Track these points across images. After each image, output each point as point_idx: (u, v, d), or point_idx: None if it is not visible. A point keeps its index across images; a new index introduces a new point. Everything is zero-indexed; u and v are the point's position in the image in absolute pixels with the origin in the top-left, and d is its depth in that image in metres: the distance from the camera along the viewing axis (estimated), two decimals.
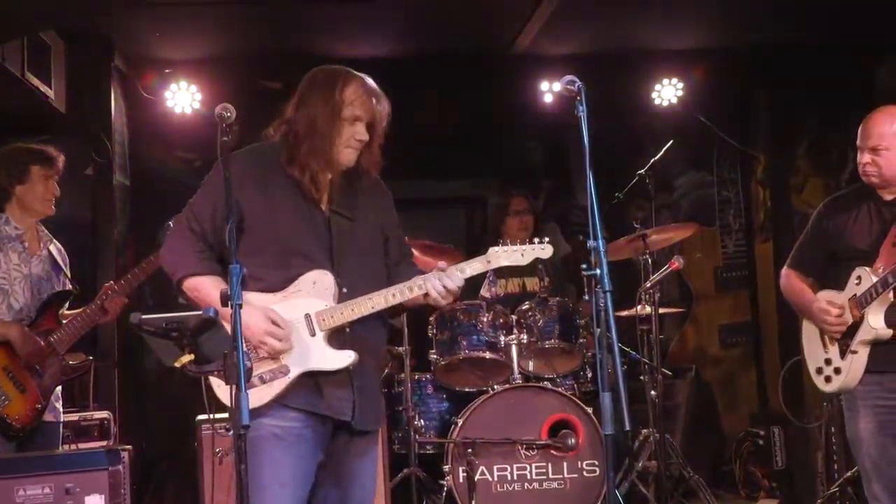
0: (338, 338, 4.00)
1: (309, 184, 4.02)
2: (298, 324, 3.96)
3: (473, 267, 4.08)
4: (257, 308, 3.68)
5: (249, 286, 3.93)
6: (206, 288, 3.96)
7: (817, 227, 5.03)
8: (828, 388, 4.90)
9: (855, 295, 4.70)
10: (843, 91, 8.08)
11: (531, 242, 4.16)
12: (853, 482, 6.50)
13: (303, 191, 4.03)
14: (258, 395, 3.85)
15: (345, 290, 4.01)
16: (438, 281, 3.98)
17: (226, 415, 3.87)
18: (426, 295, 4.01)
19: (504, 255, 4.10)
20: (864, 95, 8.02)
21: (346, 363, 3.95)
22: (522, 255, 4.12)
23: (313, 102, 4.04)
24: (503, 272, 7.28)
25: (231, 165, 3.81)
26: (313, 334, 3.97)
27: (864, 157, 4.77)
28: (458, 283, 3.99)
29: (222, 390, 3.93)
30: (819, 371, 4.93)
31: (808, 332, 5.02)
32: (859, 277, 4.70)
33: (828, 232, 4.95)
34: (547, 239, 4.16)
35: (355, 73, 4.11)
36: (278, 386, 3.88)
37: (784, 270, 5.17)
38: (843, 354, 4.77)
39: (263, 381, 3.81)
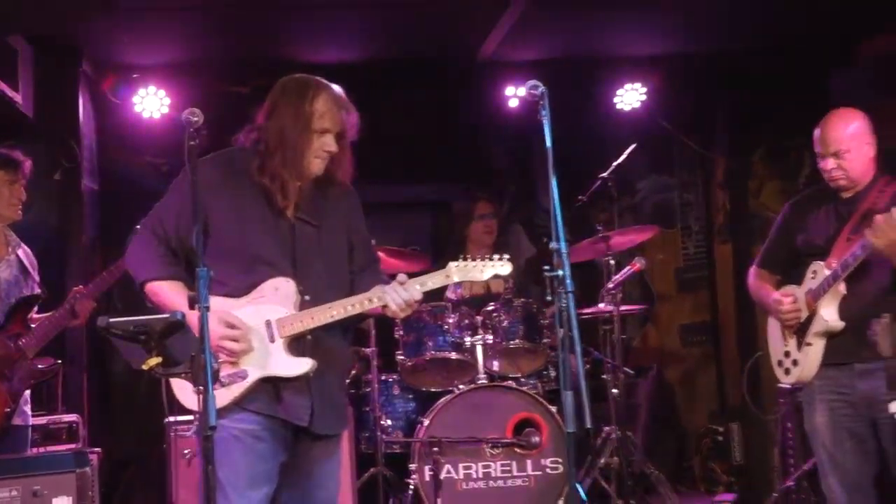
0: (298, 345, 3.99)
1: (278, 193, 4.00)
2: (259, 329, 3.96)
3: (433, 281, 4.09)
4: (213, 312, 3.64)
5: (214, 290, 3.89)
6: (166, 292, 3.98)
7: (782, 226, 5.10)
8: (787, 379, 4.98)
9: (811, 289, 4.76)
10: (799, 98, 8.12)
11: (490, 259, 4.15)
12: (808, 476, 6.53)
13: (269, 198, 4.01)
14: (217, 398, 3.76)
15: (307, 297, 4.01)
16: (397, 294, 3.97)
17: (190, 416, 3.88)
18: (385, 306, 4.01)
19: (463, 270, 4.11)
20: (818, 102, 8.01)
21: (303, 370, 3.95)
22: (482, 271, 4.13)
23: (284, 113, 4.04)
24: None
25: (199, 170, 3.78)
26: (273, 340, 3.97)
27: (829, 164, 4.79)
28: (416, 296, 4.00)
29: (183, 393, 3.96)
30: (780, 363, 4.99)
31: (771, 327, 5.07)
32: (815, 272, 4.76)
33: (791, 231, 5.02)
34: (507, 256, 4.16)
35: (325, 83, 4.11)
36: (236, 389, 3.88)
37: (752, 269, 5.22)
38: (799, 347, 4.82)
39: (222, 385, 3.77)
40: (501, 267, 4.13)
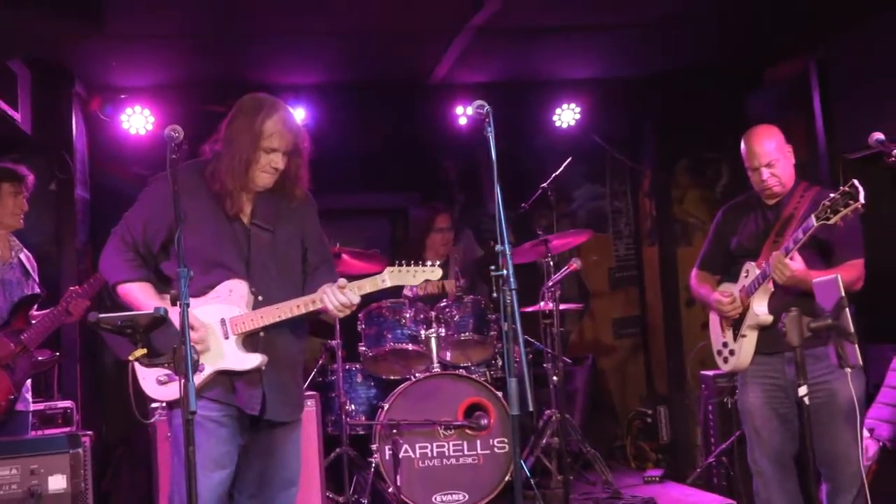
0: (251, 341, 4.01)
1: (227, 199, 4.00)
2: (215, 327, 3.97)
3: (370, 285, 4.06)
4: (173, 311, 3.63)
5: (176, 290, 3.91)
6: (135, 293, 4.01)
7: (716, 231, 5.17)
8: (725, 367, 5.02)
9: (744, 286, 4.83)
10: (718, 116, 8.21)
11: (423, 264, 4.14)
12: (727, 453, 6.60)
13: (220, 204, 4.02)
14: (176, 388, 3.75)
15: (260, 297, 4.02)
16: (335, 297, 3.96)
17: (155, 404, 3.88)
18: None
19: (398, 275, 4.10)
20: (736, 119, 8.15)
21: (254, 365, 3.97)
22: (414, 276, 4.13)
23: (237, 128, 4.02)
24: None
25: (164, 180, 3.79)
26: (227, 337, 3.99)
27: (764, 174, 4.83)
28: (354, 299, 3.99)
29: (147, 382, 3.98)
30: (719, 353, 5.05)
31: (712, 322, 5.13)
32: (747, 271, 4.84)
33: (724, 235, 5.09)
34: (438, 262, 4.18)
35: (279, 105, 4.08)
36: (195, 381, 3.75)
37: (693, 271, 5.27)
38: (735, 338, 4.88)
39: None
40: (432, 273, 4.14)
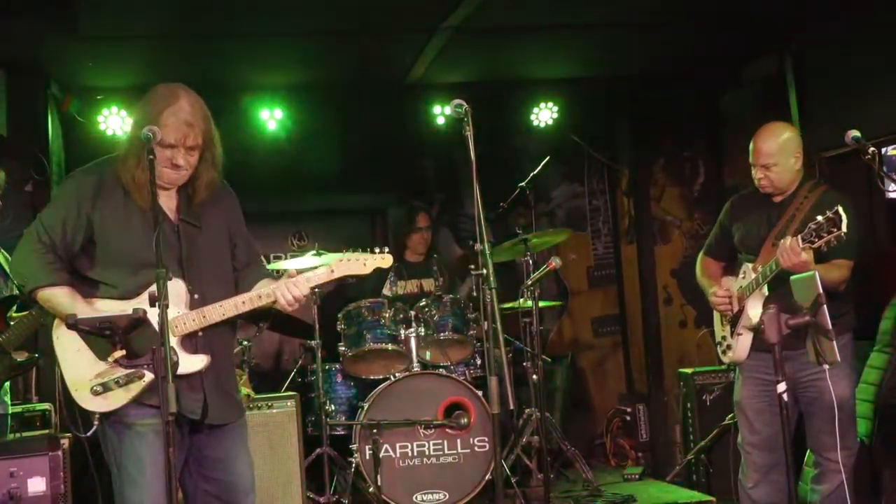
0: (190, 342, 3.82)
1: (135, 194, 3.74)
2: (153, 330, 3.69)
3: (318, 276, 3.90)
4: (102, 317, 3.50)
5: (106, 294, 3.79)
6: (58, 298, 3.77)
7: (722, 220, 5.25)
8: (724, 359, 5.15)
9: (741, 287, 4.92)
10: (692, 115, 8.27)
11: (373, 252, 3.98)
12: (706, 450, 6.64)
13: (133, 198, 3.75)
14: (116, 398, 3.71)
15: (196, 296, 3.84)
16: (287, 290, 3.81)
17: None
18: (275, 301, 3.84)
19: (347, 265, 3.94)
20: (709, 119, 8.22)
21: (198, 367, 3.79)
22: (365, 264, 3.96)
23: (135, 120, 3.81)
24: (403, 274, 7.30)
25: (77, 180, 3.72)
26: None
27: (759, 173, 4.92)
28: (304, 290, 3.83)
29: (80, 394, 3.79)
30: (719, 345, 5.16)
31: (715, 313, 5.21)
32: (744, 273, 4.94)
33: (728, 226, 5.18)
34: (387, 249, 4.01)
35: (179, 96, 3.79)
36: (135, 389, 3.71)
37: (699, 256, 5.36)
38: (732, 335, 4.99)
39: (120, 385, 3.64)
40: (382, 260, 3.98)
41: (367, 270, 3.97)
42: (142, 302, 3.64)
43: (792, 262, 4.49)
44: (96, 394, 3.73)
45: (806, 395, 4.81)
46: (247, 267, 4.08)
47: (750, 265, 4.89)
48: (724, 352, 5.09)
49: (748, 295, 4.84)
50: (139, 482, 3.73)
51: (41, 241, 3.81)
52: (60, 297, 3.77)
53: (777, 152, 4.87)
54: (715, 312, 5.18)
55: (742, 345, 4.92)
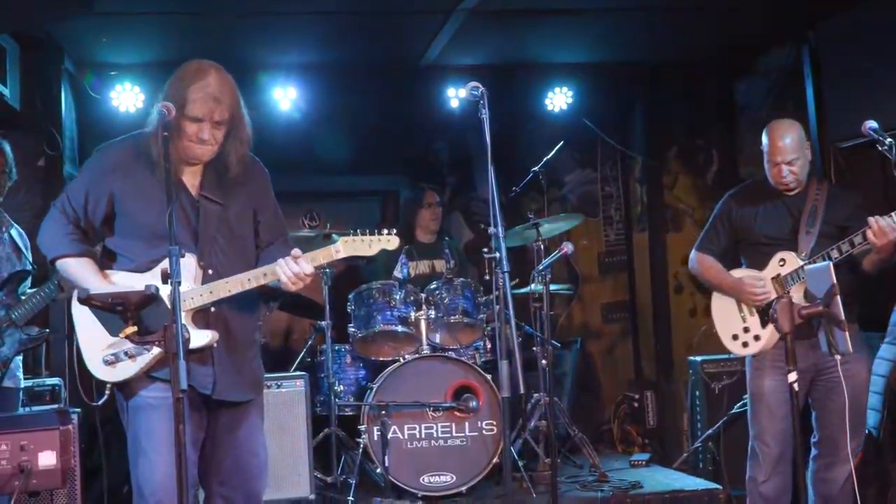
0: (201, 317, 3.85)
1: (158, 170, 3.74)
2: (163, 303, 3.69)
3: (323, 256, 3.93)
4: (115, 290, 3.53)
5: (121, 266, 3.85)
6: (74, 268, 3.87)
7: (725, 217, 5.21)
8: (744, 351, 5.09)
9: (779, 275, 4.92)
10: (708, 104, 8.23)
11: (379, 233, 3.99)
12: (714, 439, 6.64)
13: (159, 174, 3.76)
14: (123, 369, 3.76)
15: (210, 271, 3.87)
16: (288, 268, 3.81)
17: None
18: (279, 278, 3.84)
19: (352, 245, 3.96)
20: (724, 108, 8.19)
21: (204, 342, 3.80)
22: (370, 245, 3.98)
23: (165, 95, 3.81)
24: (414, 255, 7.30)
25: (108, 152, 3.76)
26: None
27: (783, 171, 4.93)
28: (307, 269, 3.83)
29: (92, 363, 3.85)
30: (735, 337, 5.10)
31: (721, 305, 5.18)
32: (783, 260, 4.93)
33: (735, 222, 5.15)
34: (394, 230, 4.03)
35: (208, 72, 3.82)
36: (142, 361, 3.76)
37: (694, 254, 5.31)
38: (763, 324, 4.95)
39: (129, 356, 3.69)
40: (388, 242, 4.00)
41: (373, 251, 3.99)
42: (155, 276, 3.69)
43: (888, 240, 4.55)
44: (108, 363, 3.78)
45: (827, 382, 4.83)
46: (270, 245, 4.11)
47: (792, 253, 4.89)
48: (745, 343, 5.03)
49: (794, 283, 4.85)
50: (150, 455, 3.78)
51: (65, 212, 3.93)
52: (77, 267, 3.87)
53: (798, 147, 4.93)
54: (723, 306, 5.14)
55: (775, 334, 4.84)
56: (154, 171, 3.81)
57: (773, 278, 4.95)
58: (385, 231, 4.01)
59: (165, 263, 3.52)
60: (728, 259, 5.19)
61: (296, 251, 3.86)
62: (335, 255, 3.95)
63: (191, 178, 3.94)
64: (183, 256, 3.68)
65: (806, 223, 4.90)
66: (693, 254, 5.31)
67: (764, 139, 5.02)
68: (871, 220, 4.59)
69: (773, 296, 4.90)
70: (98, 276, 3.83)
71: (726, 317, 5.14)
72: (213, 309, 3.87)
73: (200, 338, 3.81)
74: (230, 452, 3.99)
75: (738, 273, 5.10)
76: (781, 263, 4.93)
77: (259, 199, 4.11)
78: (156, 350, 3.70)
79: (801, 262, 4.84)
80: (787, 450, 4.89)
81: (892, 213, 4.55)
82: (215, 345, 3.85)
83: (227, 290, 3.83)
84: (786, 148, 4.91)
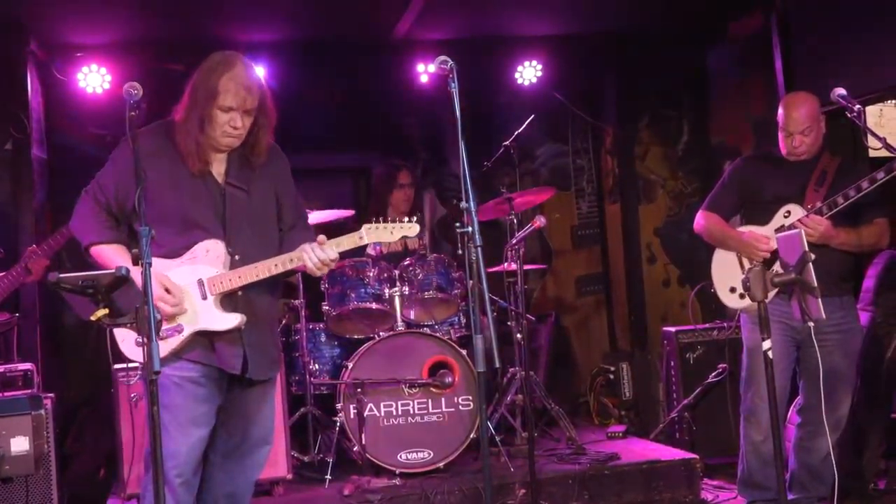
0: (229, 301, 4.02)
1: (189, 157, 3.97)
2: (192, 288, 3.97)
3: (348, 241, 4.10)
4: (153, 275, 3.61)
5: (154, 252, 3.85)
6: (109, 255, 3.99)
7: (735, 179, 5.38)
8: (741, 303, 5.19)
9: (783, 226, 5.02)
10: (678, 73, 8.24)
11: (401, 221, 4.21)
12: (690, 408, 6.67)
13: (186, 163, 3.98)
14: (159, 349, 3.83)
15: (237, 257, 4.02)
16: (314, 254, 3.97)
17: (134, 364, 3.91)
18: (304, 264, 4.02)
19: (375, 232, 4.15)
20: (695, 77, 8.20)
21: (233, 324, 3.99)
22: (392, 232, 4.18)
23: (195, 86, 3.97)
24: None
25: (139, 140, 3.76)
26: (205, 298, 3.99)
27: (796, 140, 5.09)
28: (332, 255, 4.01)
29: (126, 344, 3.99)
30: (732, 290, 5.21)
31: (722, 260, 5.33)
32: (788, 212, 5.07)
33: (745, 183, 5.32)
34: (415, 218, 4.24)
35: (237, 63, 3.98)
36: (173, 342, 3.91)
37: (702, 213, 5.44)
38: None
39: (161, 339, 3.74)
40: (409, 229, 4.20)
41: (395, 238, 4.20)
42: (186, 261, 3.98)
43: (819, 231, 4.79)
44: (139, 345, 3.79)
45: (826, 343, 4.86)
46: (292, 229, 4.26)
47: (797, 205, 5.02)
48: (742, 296, 5.08)
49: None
50: (171, 431, 3.91)
51: (97, 200, 4.05)
52: (110, 253, 4.00)
53: (813, 117, 5.06)
54: (724, 260, 5.27)
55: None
56: (180, 160, 3.98)
57: (776, 230, 5.02)
58: (406, 219, 4.22)
59: (197, 249, 3.96)
60: (756, 219, 5.30)
61: (321, 237, 4.01)
62: (359, 241, 4.12)
63: (216, 166, 4.08)
64: (211, 241, 3.99)
65: (815, 182, 5.03)
66: (700, 213, 5.44)
67: (780, 111, 5.16)
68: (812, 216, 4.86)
69: (773, 249, 4.98)
70: (129, 263, 3.89)
71: (726, 271, 5.25)
72: (240, 293, 4.03)
73: (230, 320, 3.99)
74: (242, 427, 4.18)
75: (743, 229, 5.23)
76: (787, 215, 5.05)
77: (281, 184, 4.25)
78: (188, 331, 3.92)
79: (802, 213, 4.96)
80: (783, 410, 4.95)
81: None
82: (243, 327, 4.01)
83: (255, 275, 4.00)
84: (800, 118, 5.05)
